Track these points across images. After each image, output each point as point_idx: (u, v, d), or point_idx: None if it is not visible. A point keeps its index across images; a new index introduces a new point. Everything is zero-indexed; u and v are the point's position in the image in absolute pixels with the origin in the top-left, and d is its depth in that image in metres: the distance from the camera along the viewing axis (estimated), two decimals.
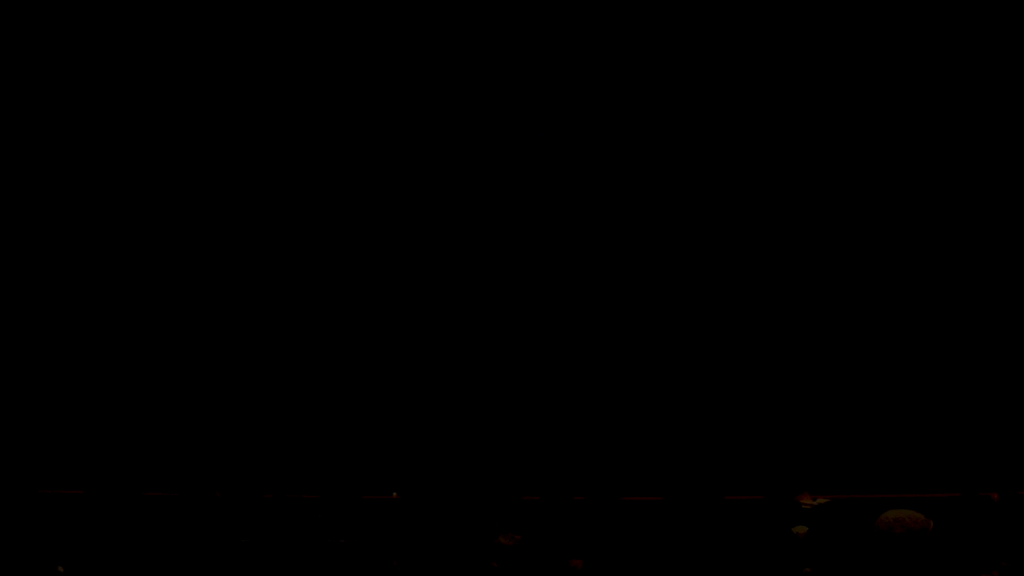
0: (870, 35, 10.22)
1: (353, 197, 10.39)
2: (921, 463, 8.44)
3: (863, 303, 10.34)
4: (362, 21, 10.26)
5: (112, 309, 9.66)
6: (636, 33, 10.41)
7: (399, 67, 10.32)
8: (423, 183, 10.43)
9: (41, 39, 10.06)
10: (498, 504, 5.32)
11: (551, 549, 4.60)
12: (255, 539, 4.43)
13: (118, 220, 9.79)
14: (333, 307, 10.45)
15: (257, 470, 7.70)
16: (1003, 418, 9.66)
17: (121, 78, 10.11)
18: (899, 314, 10.31)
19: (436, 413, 9.97)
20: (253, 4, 10.19)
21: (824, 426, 9.79)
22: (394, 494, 6.70)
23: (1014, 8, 9.88)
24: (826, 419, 9.93)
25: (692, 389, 10.29)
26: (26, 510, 4.77)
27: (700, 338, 10.47)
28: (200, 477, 6.53)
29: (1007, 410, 9.74)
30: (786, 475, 5.84)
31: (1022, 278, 9.98)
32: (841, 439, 9.46)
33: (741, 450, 8.72)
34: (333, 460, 8.15)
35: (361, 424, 9.83)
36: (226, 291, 9.95)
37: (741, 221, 10.39)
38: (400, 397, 10.16)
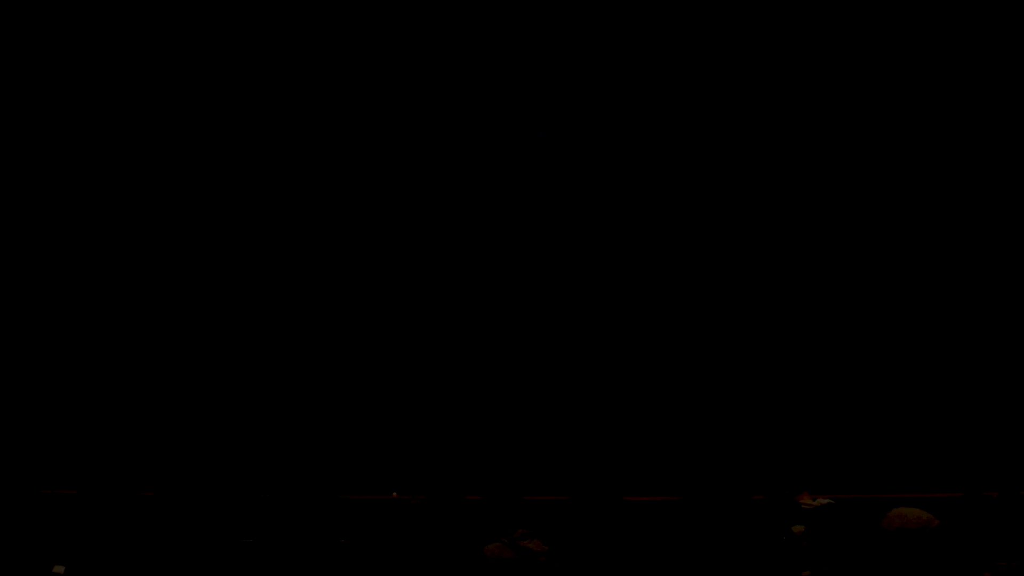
0: (869, 36, 10.22)
1: (351, 197, 10.39)
2: (920, 463, 8.45)
3: (864, 306, 10.35)
4: (361, 21, 10.26)
5: (111, 311, 9.67)
6: (635, 33, 10.41)
7: (398, 68, 10.33)
8: (422, 184, 10.43)
9: (41, 39, 10.07)
10: (502, 505, 5.33)
11: (560, 553, 4.60)
12: (255, 539, 4.43)
13: (116, 222, 9.80)
14: (338, 308, 10.45)
15: (259, 471, 7.71)
16: (1003, 418, 9.67)
17: (121, 79, 10.12)
18: (899, 317, 10.32)
19: (440, 414, 9.99)
20: (253, 4, 10.20)
21: (824, 427, 9.80)
22: (394, 494, 6.70)
23: (1014, 8, 9.88)
24: (826, 420, 9.94)
25: (695, 391, 10.30)
26: (27, 510, 4.77)
27: (701, 341, 10.48)
28: (201, 478, 6.53)
29: (1007, 410, 9.75)
30: (786, 475, 5.84)
31: (1022, 278, 9.98)
32: (841, 440, 9.47)
33: (742, 451, 8.73)
34: (334, 461, 8.16)
35: (362, 425, 9.84)
36: (223, 293, 9.96)
37: (743, 225, 10.40)
38: (403, 398, 10.17)
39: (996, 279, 10.12)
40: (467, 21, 10.32)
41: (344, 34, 10.31)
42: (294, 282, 10.26)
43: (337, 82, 10.24)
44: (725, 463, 7.91)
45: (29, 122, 10.20)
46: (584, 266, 10.43)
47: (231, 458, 8.48)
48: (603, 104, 10.51)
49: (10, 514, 4.70)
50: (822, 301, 10.44)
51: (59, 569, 4.79)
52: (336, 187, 10.45)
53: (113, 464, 8.46)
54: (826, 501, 5.46)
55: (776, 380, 10.23)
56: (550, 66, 10.40)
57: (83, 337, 9.98)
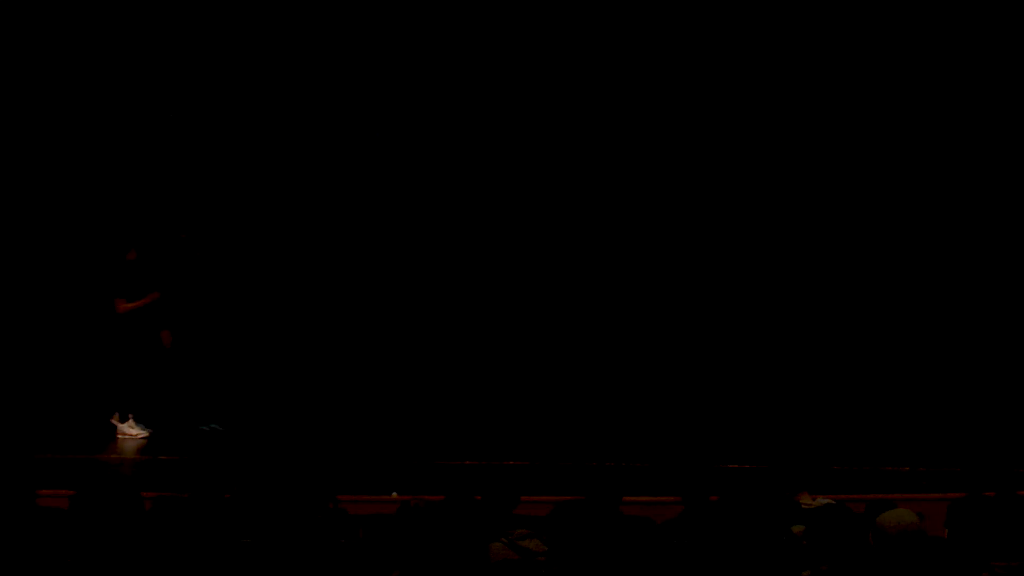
0: (869, 38, 10.21)
1: (353, 199, 10.37)
2: (920, 463, 8.46)
3: (863, 311, 10.34)
4: (361, 23, 10.24)
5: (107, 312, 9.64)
6: (634, 36, 10.40)
7: (398, 69, 10.30)
8: (426, 185, 10.41)
9: (42, 40, 10.02)
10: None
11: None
12: (255, 539, 4.43)
13: (116, 223, 9.78)
14: (339, 311, 10.43)
15: (259, 470, 7.69)
16: (1002, 419, 9.67)
17: (120, 78, 10.08)
18: (899, 320, 10.32)
19: (440, 414, 9.98)
20: (253, 6, 10.18)
21: (824, 426, 9.80)
22: (394, 494, 6.69)
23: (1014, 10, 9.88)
24: (827, 420, 9.94)
25: (694, 393, 10.30)
26: (26, 511, 4.76)
27: (699, 346, 10.48)
28: (202, 477, 6.50)
29: (1006, 411, 9.75)
30: (786, 475, 5.85)
31: (1020, 282, 9.97)
32: (841, 439, 9.47)
33: (741, 448, 8.73)
34: (334, 461, 8.15)
35: (362, 425, 9.83)
36: (226, 295, 9.94)
37: (733, 235, 10.41)
38: (402, 398, 10.17)
39: (993, 283, 10.11)
40: (466, 24, 10.31)
41: (343, 36, 10.28)
42: (296, 284, 10.24)
43: (335, 84, 10.21)
44: (725, 463, 7.91)
45: (29, 122, 10.16)
46: (585, 274, 10.42)
47: (231, 457, 8.47)
48: (603, 107, 10.50)
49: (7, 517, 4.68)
50: (816, 309, 10.44)
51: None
52: (336, 190, 10.44)
53: (113, 464, 8.44)
54: (826, 501, 5.47)
55: (776, 381, 10.22)
56: (549, 68, 10.38)
57: (83, 340, 9.96)
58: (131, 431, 8.99)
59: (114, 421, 8.98)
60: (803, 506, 5.31)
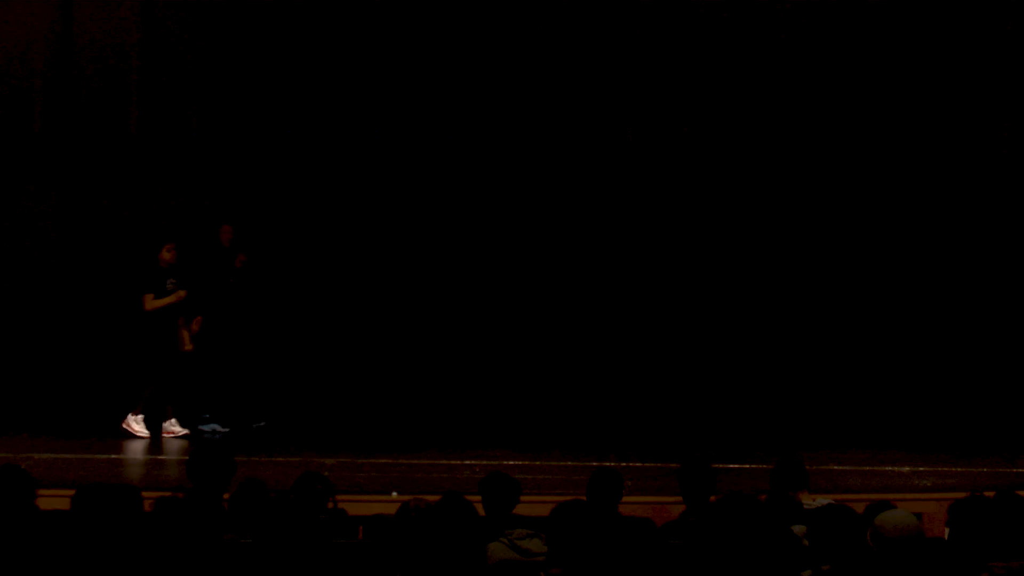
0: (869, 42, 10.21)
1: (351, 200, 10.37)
2: (920, 463, 8.46)
3: (864, 312, 10.35)
4: (361, 27, 10.24)
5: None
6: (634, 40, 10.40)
7: (398, 70, 10.31)
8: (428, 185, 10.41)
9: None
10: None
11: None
12: (255, 539, 4.43)
13: (152, 220, 9.81)
14: (342, 313, 10.44)
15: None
16: (1001, 418, 9.67)
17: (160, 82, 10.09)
18: (900, 320, 10.32)
19: (440, 412, 9.99)
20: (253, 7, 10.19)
21: (825, 425, 9.80)
22: (394, 493, 6.70)
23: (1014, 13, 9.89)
24: (827, 419, 9.94)
25: (696, 390, 10.31)
26: (25, 511, 4.76)
27: (699, 345, 10.49)
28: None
29: (1005, 409, 9.75)
30: (786, 474, 5.85)
31: (1020, 279, 9.97)
32: (841, 438, 9.48)
33: (741, 448, 8.74)
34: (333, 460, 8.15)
35: (362, 425, 9.83)
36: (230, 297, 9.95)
37: (708, 240, 10.43)
38: (401, 397, 10.17)
39: (993, 284, 10.12)
40: (466, 27, 10.31)
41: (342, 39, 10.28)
42: (301, 283, 10.25)
43: (335, 85, 10.21)
44: (725, 463, 7.93)
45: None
46: (587, 274, 10.43)
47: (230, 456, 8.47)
48: (603, 107, 10.51)
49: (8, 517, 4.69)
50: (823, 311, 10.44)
51: None
52: (333, 190, 10.44)
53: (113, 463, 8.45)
54: (826, 501, 5.46)
55: (774, 381, 10.23)
56: (547, 69, 10.38)
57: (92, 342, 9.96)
58: (136, 427, 9.00)
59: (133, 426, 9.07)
60: (803, 506, 5.31)
